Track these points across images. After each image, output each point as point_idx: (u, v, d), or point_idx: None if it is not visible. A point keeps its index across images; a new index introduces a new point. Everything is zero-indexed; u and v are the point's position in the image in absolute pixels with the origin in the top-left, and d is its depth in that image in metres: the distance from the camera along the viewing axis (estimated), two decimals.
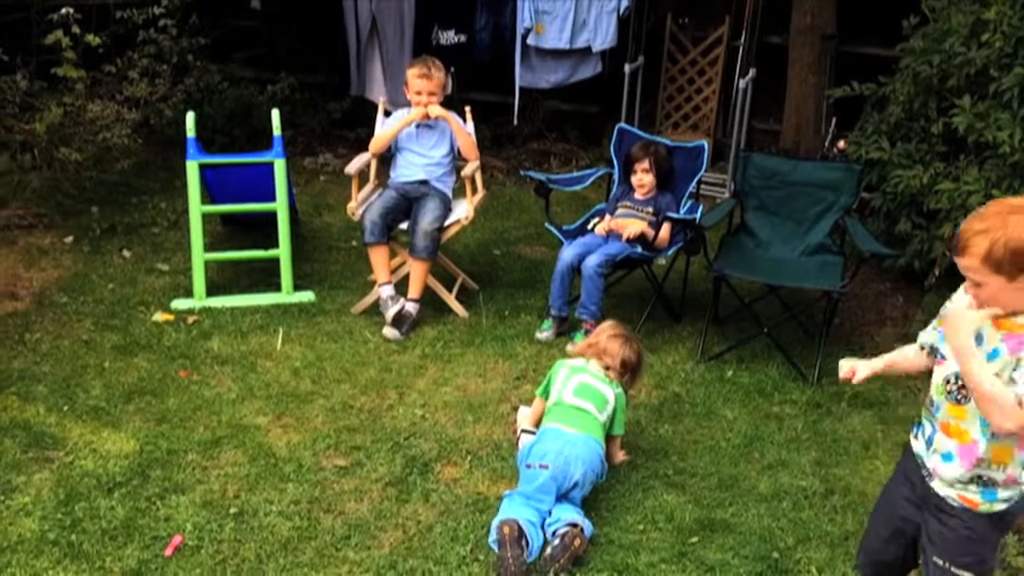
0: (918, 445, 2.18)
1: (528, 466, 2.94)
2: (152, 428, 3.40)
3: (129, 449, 3.26)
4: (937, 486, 2.11)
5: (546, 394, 3.19)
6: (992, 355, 1.95)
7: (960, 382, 2.01)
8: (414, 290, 4.20)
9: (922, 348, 2.23)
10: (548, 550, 2.76)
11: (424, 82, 4.26)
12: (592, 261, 4.04)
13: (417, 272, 4.20)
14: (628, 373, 3.22)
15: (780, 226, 4.36)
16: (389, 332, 4.11)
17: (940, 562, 2.12)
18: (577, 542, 2.75)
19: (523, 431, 3.25)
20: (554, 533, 2.80)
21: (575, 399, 3.07)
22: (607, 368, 3.18)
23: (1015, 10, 3.93)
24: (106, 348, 3.95)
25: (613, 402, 3.11)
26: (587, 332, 4.02)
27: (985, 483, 2.05)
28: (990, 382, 1.89)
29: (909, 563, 2.32)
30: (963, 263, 1.93)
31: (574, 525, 2.80)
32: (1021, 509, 2.11)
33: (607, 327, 3.34)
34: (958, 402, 2.03)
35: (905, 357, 2.27)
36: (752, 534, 2.94)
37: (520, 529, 2.76)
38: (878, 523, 2.35)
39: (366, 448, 3.32)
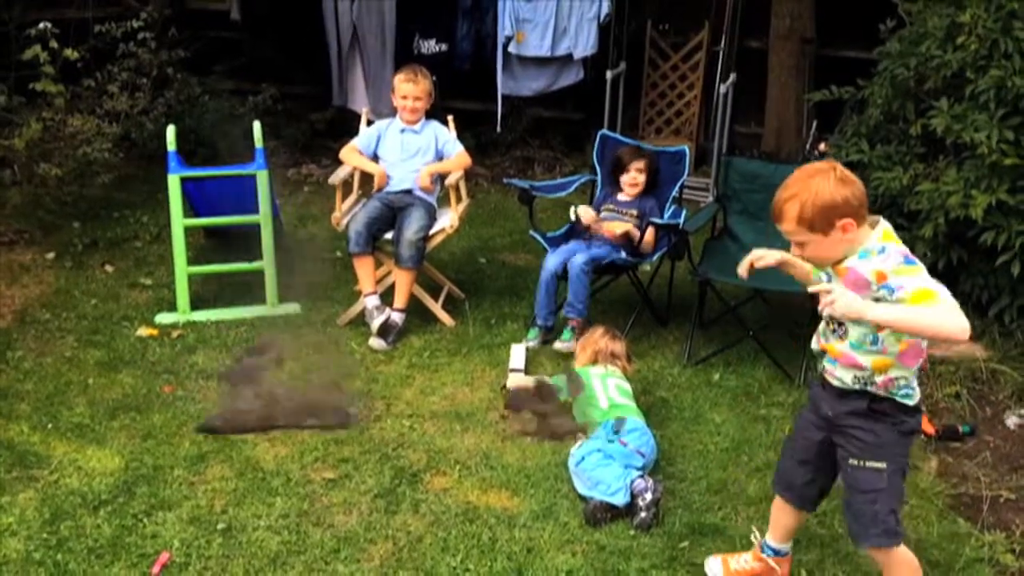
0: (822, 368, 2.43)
1: (624, 443, 3.18)
2: (137, 444, 3.37)
3: (114, 466, 3.23)
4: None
5: (566, 391, 3.51)
6: None
7: (837, 323, 2.31)
8: (399, 300, 4.19)
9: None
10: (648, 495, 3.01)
11: (411, 86, 4.29)
12: (578, 260, 4.06)
13: (402, 281, 4.19)
14: (628, 360, 3.66)
15: (763, 229, 4.36)
16: (375, 343, 4.10)
17: (854, 463, 2.36)
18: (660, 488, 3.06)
19: (512, 370, 3.74)
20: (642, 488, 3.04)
21: (623, 399, 3.42)
22: (620, 366, 3.59)
23: (989, 13, 3.98)
24: (90, 364, 3.92)
25: (630, 389, 3.56)
26: (574, 330, 4.05)
27: (867, 386, 2.30)
28: (906, 313, 2.08)
29: (821, 487, 2.58)
30: (783, 228, 2.25)
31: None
32: (917, 424, 2.36)
33: (599, 332, 3.68)
34: (840, 338, 2.32)
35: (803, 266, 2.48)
36: (742, 538, 2.94)
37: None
38: (791, 448, 2.64)
39: (354, 460, 3.30)
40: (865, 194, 2.21)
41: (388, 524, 2.97)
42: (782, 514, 2.68)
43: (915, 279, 2.11)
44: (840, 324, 2.32)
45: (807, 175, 2.21)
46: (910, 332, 2.15)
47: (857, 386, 2.32)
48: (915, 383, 2.32)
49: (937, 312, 2.06)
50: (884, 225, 2.24)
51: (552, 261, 4.15)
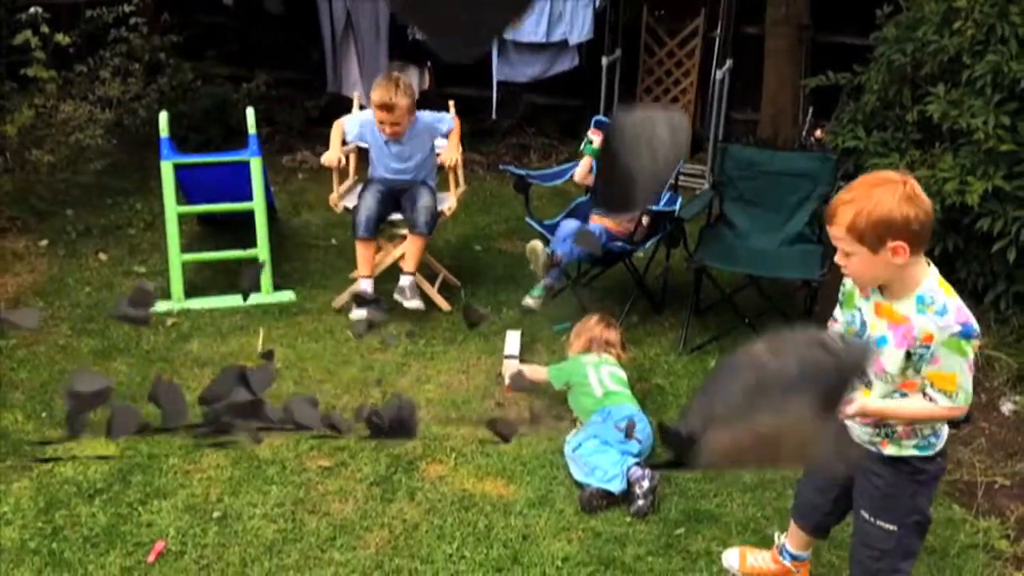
0: None
1: (618, 427, 3.18)
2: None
3: (109, 455, 3.22)
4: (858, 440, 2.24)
5: (559, 380, 3.50)
6: (881, 341, 2.06)
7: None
8: (410, 264, 4.18)
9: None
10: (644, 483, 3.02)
11: (386, 114, 4.05)
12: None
13: (414, 247, 4.18)
14: (622, 348, 3.66)
15: (759, 216, 4.37)
16: (410, 304, 4.09)
17: (866, 515, 2.27)
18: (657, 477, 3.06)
19: (507, 356, 3.77)
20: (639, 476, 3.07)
21: (617, 387, 3.41)
22: (615, 354, 3.58)
23: None
24: (84, 353, 3.90)
25: (625, 377, 3.55)
26: (546, 289, 4.15)
27: (888, 436, 2.17)
28: (913, 409, 2.07)
29: (841, 513, 2.47)
30: (832, 231, 2.02)
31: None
32: (940, 469, 2.23)
33: (594, 320, 3.66)
34: (867, 388, 2.15)
35: None
36: (737, 524, 2.95)
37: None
38: (809, 476, 2.54)
39: (350, 448, 3.30)
40: (931, 220, 1.96)
41: (384, 512, 2.97)
42: (799, 529, 2.62)
43: (954, 361, 1.98)
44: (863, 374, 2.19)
45: (872, 183, 1.98)
46: (908, 420, 2.12)
47: (877, 438, 2.17)
48: (943, 429, 2.15)
49: (937, 410, 2.04)
50: (935, 271, 2.05)
51: (564, 232, 4.17)
